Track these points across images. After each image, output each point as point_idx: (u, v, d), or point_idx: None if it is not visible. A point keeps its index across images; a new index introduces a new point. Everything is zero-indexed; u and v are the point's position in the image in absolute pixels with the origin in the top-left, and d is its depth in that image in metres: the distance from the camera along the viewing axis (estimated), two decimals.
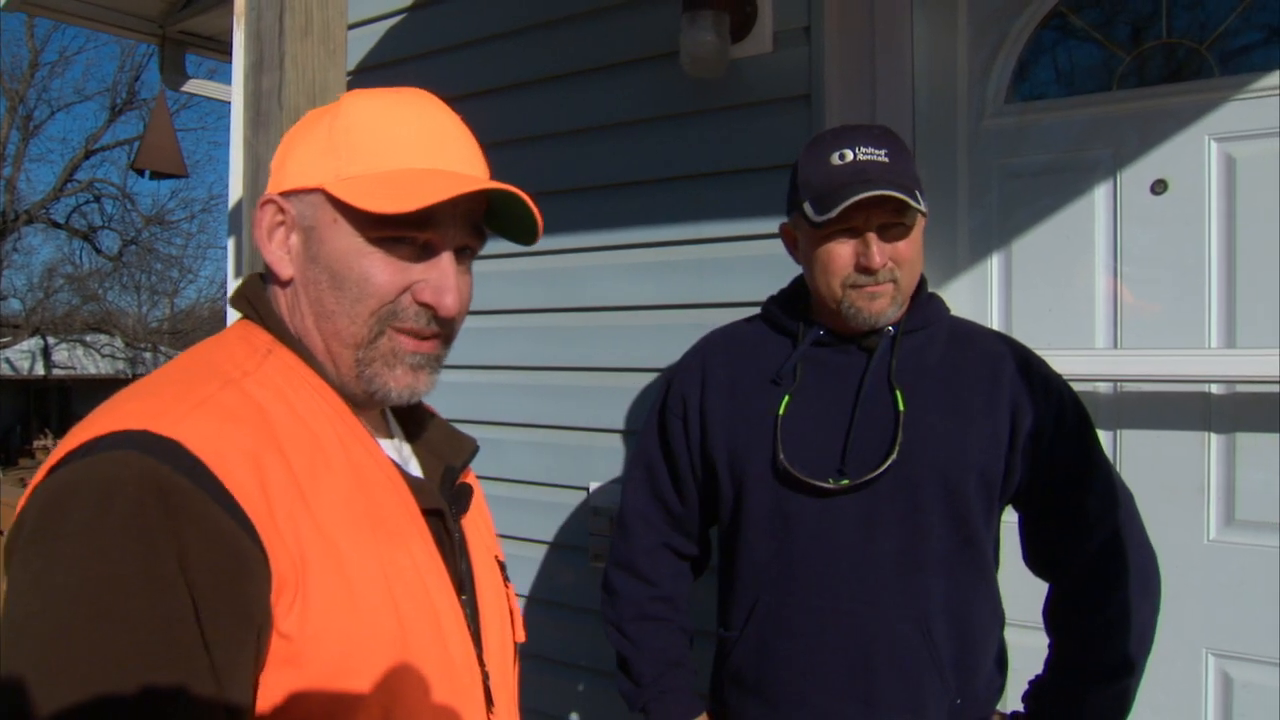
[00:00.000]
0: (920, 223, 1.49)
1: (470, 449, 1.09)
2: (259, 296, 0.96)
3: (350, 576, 0.81)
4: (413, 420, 1.10)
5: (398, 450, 1.03)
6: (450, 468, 1.05)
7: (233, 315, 1.04)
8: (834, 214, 1.41)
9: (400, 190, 0.87)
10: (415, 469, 1.04)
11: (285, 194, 0.93)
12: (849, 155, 1.46)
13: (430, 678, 0.86)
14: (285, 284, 0.94)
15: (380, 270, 0.90)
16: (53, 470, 0.76)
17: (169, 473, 0.73)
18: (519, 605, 1.13)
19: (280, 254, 0.93)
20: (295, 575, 0.78)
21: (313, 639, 0.78)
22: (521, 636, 1.10)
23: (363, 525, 0.85)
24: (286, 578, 0.77)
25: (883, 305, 1.47)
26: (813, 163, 1.49)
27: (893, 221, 1.44)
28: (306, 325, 0.94)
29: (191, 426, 0.77)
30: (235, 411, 0.81)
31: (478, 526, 1.07)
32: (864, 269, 1.45)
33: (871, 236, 1.44)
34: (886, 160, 1.44)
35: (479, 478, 2.69)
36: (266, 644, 0.76)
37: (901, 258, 1.46)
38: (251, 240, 0.97)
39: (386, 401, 0.95)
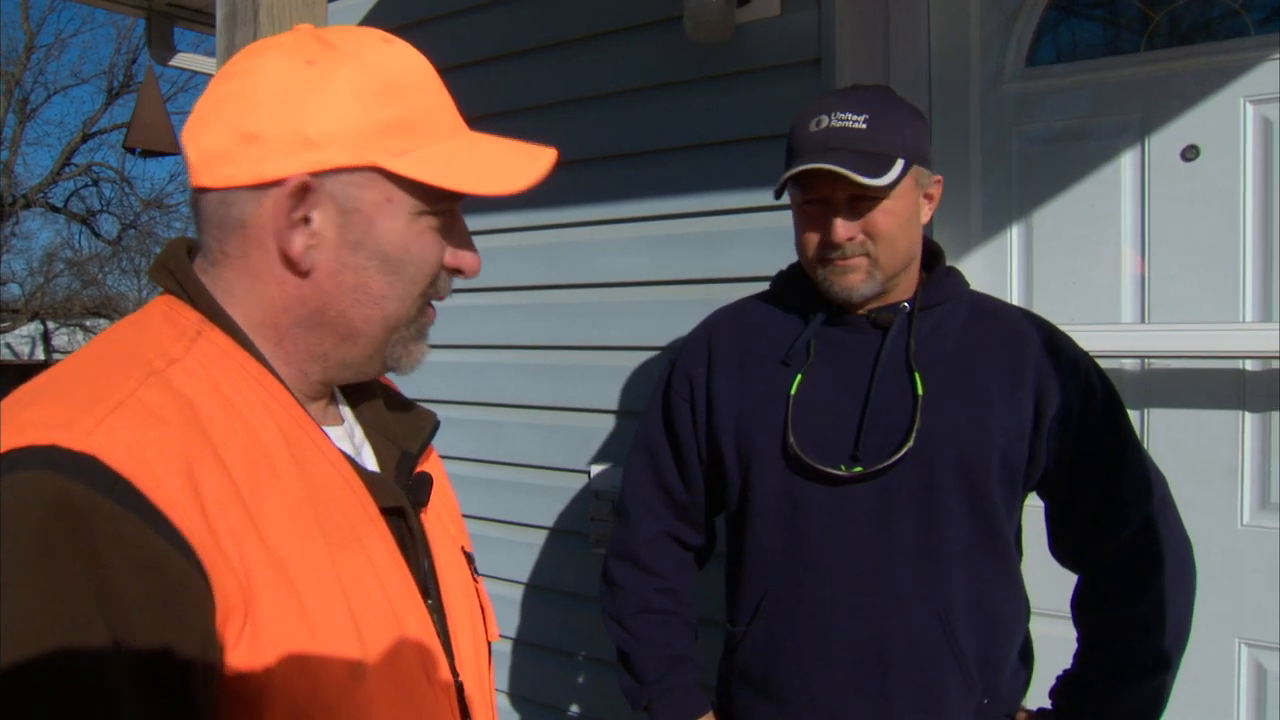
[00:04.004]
0: (906, 192, 1.39)
1: (429, 427, 0.99)
2: (183, 268, 0.82)
3: (304, 600, 0.71)
4: (363, 399, 0.98)
5: (349, 438, 0.92)
6: (407, 454, 0.94)
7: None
8: (777, 189, 1.42)
9: (485, 165, 0.84)
10: (369, 458, 0.93)
11: (317, 174, 0.78)
12: (824, 121, 1.39)
13: (394, 697, 0.76)
14: (302, 276, 0.81)
15: (434, 247, 0.86)
16: None
17: (84, 493, 0.62)
18: (490, 601, 1.02)
19: (303, 243, 0.79)
20: (242, 603, 0.67)
21: (264, 675, 0.67)
22: (495, 635, 1.00)
23: (314, 535, 0.74)
24: (233, 606, 0.66)
25: (855, 280, 1.41)
26: (795, 130, 1.44)
27: (861, 193, 1.36)
28: (318, 317, 0.82)
29: (107, 436, 0.65)
30: (160, 413, 0.69)
31: (440, 517, 0.96)
32: (827, 242, 1.40)
33: (838, 209, 1.38)
34: (863, 127, 1.36)
35: (476, 461, 2.63)
36: (216, 681, 0.66)
37: (876, 230, 1.38)
38: (239, 224, 0.80)
39: (399, 372, 0.90)
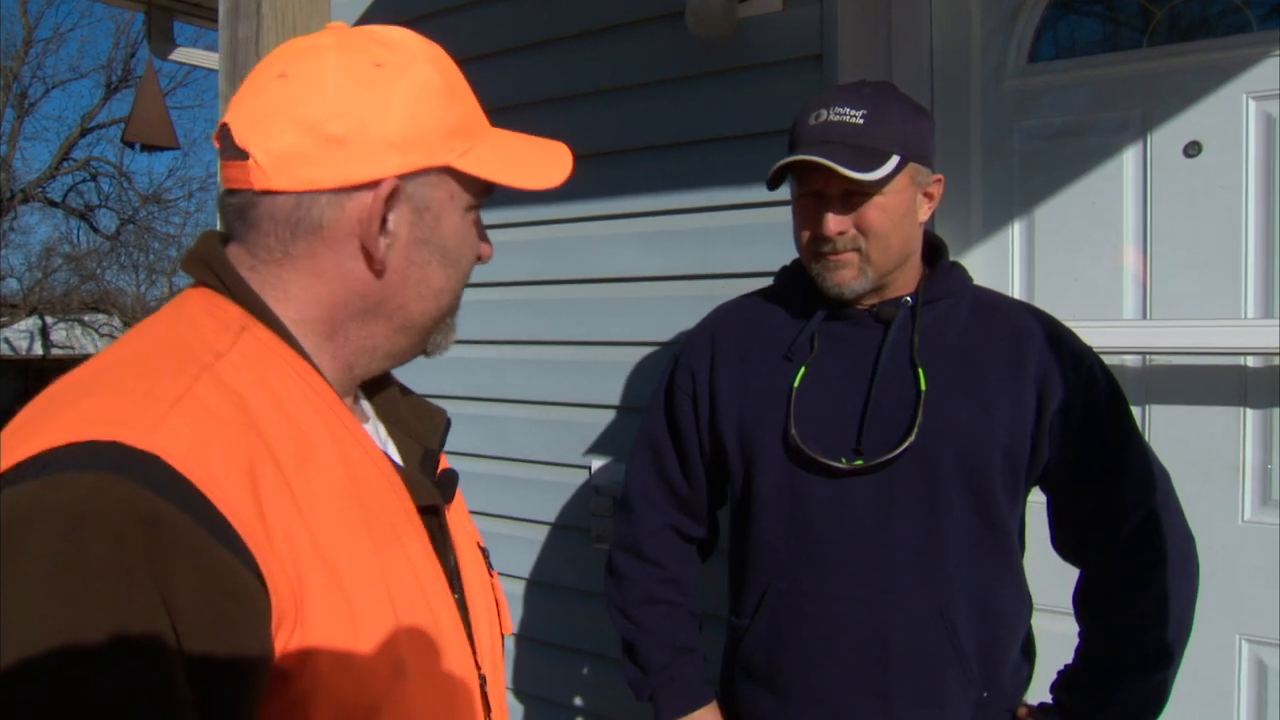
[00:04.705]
0: (902, 189, 1.39)
1: (443, 424, 0.99)
2: (222, 263, 0.81)
3: (351, 599, 0.71)
4: (380, 394, 0.98)
5: (376, 434, 0.92)
6: (430, 451, 0.95)
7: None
8: (768, 179, 1.42)
9: (526, 160, 0.88)
10: (393, 454, 0.93)
11: (403, 176, 0.80)
12: (822, 115, 1.39)
13: (431, 694, 0.77)
14: (378, 275, 0.82)
15: (475, 239, 0.90)
16: None
17: (151, 499, 0.61)
18: (504, 595, 1.03)
19: (384, 242, 0.81)
20: (294, 607, 0.67)
21: (311, 676, 0.67)
22: (509, 629, 1.01)
23: (359, 532, 0.74)
24: (286, 610, 0.66)
25: (846, 276, 1.41)
26: (795, 124, 1.44)
27: (854, 188, 1.36)
28: (377, 310, 0.84)
29: (170, 434, 0.65)
30: (217, 410, 0.69)
31: (458, 513, 0.96)
32: (819, 236, 1.40)
33: (830, 203, 1.38)
34: (860, 122, 1.36)
35: (478, 456, 2.62)
36: (265, 683, 0.66)
37: (867, 226, 1.38)
38: (316, 226, 0.80)
39: (432, 355, 0.93)
